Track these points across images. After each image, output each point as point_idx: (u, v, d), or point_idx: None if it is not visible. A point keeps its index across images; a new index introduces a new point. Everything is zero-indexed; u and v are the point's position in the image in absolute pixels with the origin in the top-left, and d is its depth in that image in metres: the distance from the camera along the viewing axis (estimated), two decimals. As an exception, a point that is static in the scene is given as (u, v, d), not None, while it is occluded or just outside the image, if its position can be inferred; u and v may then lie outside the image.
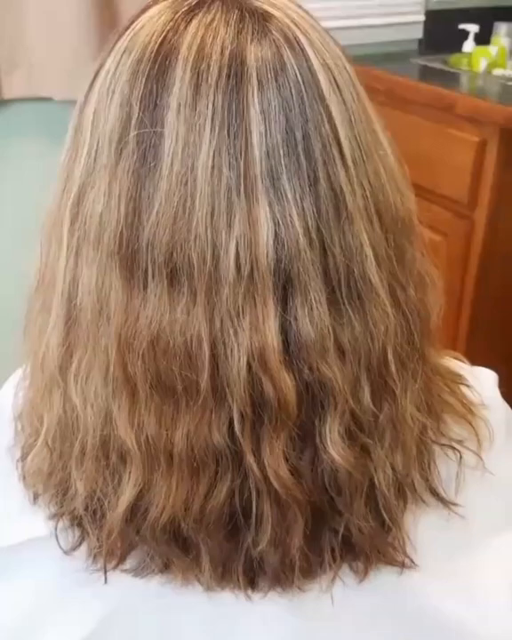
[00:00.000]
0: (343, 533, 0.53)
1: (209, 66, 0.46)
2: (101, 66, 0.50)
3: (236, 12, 0.48)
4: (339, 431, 0.49)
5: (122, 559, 0.55)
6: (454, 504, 0.57)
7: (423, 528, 0.57)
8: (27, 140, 1.83)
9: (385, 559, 0.54)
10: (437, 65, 2.10)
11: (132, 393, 0.49)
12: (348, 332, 0.49)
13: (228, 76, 0.46)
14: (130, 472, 0.51)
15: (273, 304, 0.47)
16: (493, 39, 2.10)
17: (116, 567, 0.55)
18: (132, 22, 0.50)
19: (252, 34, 0.47)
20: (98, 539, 0.54)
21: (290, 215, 0.47)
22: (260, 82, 0.46)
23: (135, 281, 0.48)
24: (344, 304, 0.49)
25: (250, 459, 0.49)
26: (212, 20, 0.47)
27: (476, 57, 2.03)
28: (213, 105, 0.46)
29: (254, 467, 0.49)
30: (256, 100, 0.46)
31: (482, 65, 2.01)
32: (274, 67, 0.46)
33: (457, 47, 2.16)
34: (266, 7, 0.49)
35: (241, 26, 0.47)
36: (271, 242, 0.46)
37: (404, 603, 0.56)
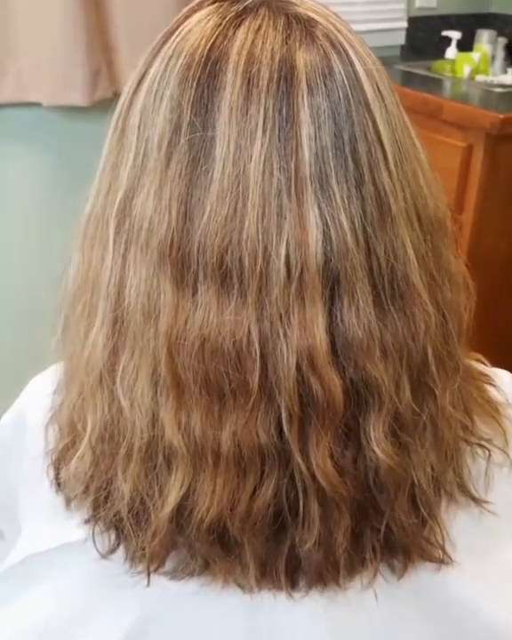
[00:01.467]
0: (384, 531, 0.53)
1: (259, 70, 0.47)
2: (147, 69, 0.51)
3: (283, 17, 0.49)
4: (383, 429, 0.50)
5: (162, 562, 0.55)
6: (485, 502, 0.58)
7: (457, 526, 0.57)
8: (15, 144, 1.83)
9: (425, 555, 0.55)
10: (421, 71, 2.12)
11: (180, 394, 0.49)
12: (392, 332, 0.50)
13: (279, 81, 0.47)
14: (176, 472, 0.51)
15: (321, 305, 0.48)
16: (476, 46, 2.13)
17: (156, 570, 0.55)
18: (178, 27, 0.50)
19: (301, 39, 0.48)
20: (141, 541, 0.53)
21: (338, 216, 0.47)
22: (309, 86, 0.47)
23: (185, 284, 0.48)
24: (388, 304, 0.50)
25: (297, 457, 0.49)
26: (261, 25, 0.48)
27: (459, 63, 2.06)
28: (265, 109, 0.46)
29: (301, 465, 0.49)
30: (306, 103, 0.47)
31: (465, 71, 2.04)
32: (323, 72, 0.47)
33: (439, 54, 2.19)
34: (310, 13, 0.50)
35: (289, 31, 0.48)
36: (320, 243, 0.47)
37: (442, 599, 0.57)
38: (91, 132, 1.89)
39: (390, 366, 0.50)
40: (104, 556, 0.57)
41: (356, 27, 1.90)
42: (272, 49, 0.47)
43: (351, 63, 0.49)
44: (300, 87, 0.47)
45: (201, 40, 0.48)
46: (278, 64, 0.47)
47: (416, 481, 0.53)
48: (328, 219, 0.47)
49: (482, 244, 1.84)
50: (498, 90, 1.95)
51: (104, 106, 1.83)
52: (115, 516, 0.54)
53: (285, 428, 0.49)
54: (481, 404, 0.61)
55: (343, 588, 0.55)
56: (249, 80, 0.47)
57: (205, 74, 0.47)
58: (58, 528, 0.60)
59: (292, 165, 0.47)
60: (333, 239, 0.47)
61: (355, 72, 0.48)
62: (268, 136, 0.46)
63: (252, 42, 0.47)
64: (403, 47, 2.28)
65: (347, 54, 0.49)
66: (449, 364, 0.53)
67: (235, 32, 0.48)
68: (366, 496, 0.52)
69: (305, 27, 0.49)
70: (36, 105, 1.78)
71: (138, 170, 0.50)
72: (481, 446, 0.59)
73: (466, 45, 2.17)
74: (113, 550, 0.56)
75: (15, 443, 0.69)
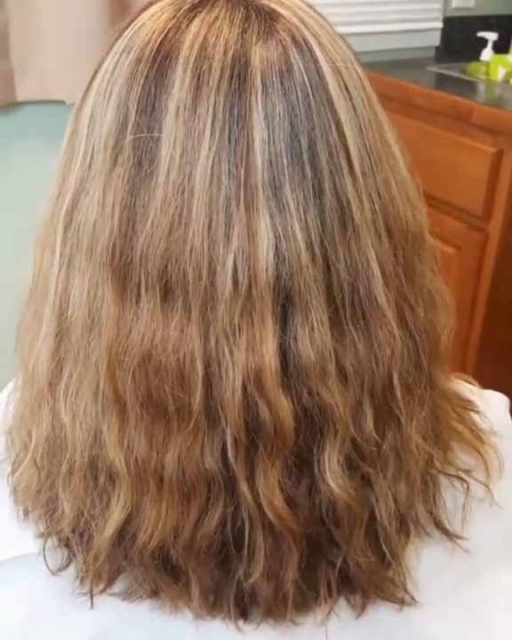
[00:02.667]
0: (340, 566, 0.50)
1: (210, 67, 0.43)
2: (100, 66, 0.48)
3: (242, 10, 0.45)
4: (338, 460, 0.47)
5: (110, 583, 0.53)
6: (459, 537, 0.54)
7: (426, 561, 0.54)
8: (39, 142, 1.83)
9: (384, 595, 0.52)
10: (454, 73, 2.05)
11: (122, 412, 0.47)
12: (351, 355, 0.46)
13: (231, 78, 0.43)
14: (118, 494, 0.48)
15: (271, 323, 0.44)
16: (513, 48, 2.07)
17: (103, 591, 0.53)
18: (133, 20, 0.47)
19: (258, 33, 0.44)
20: (85, 561, 0.52)
21: (292, 228, 0.44)
22: (264, 85, 0.43)
23: (128, 294, 0.45)
24: (348, 324, 0.46)
25: (243, 486, 0.46)
26: (216, 18, 0.45)
27: (494, 65, 1.99)
28: (214, 108, 0.43)
29: (247, 495, 0.46)
30: (260, 103, 0.43)
31: (500, 74, 1.97)
32: (280, 69, 0.44)
33: (475, 55, 2.13)
34: (273, 6, 0.46)
35: (246, 25, 0.44)
36: (271, 256, 0.43)
37: (404, 639, 0.53)
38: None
39: (349, 392, 0.46)
40: (54, 573, 0.54)
41: (388, 27, 1.85)
42: (226, 44, 0.44)
43: (315, 60, 0.45)
44: (254, 85, 0.43)
45: (152, 34, 0.45)
46: (231, 60, 0.43)
47: (377, 515, 0.49)
48: (280, 230, 0.44)
49: (510, 253, 1.78)
50: (533, 94, 1.89)
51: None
52: (58, 533, 0.52)
53: (230, 454, 0.46)
54: (461, 432, 0.56)
55: (296, 624, 0.52)
56: (199, 77, 0.43)
57: (154, 70, 0.44)
58: (17, 537, 0.58)
59: (243, 171, 0.43)
60: (285, 252, 0.44)
61: (317, 69, 0.45)
62: (216, 138, 0.43)
63: (205, 36, 0.44)
64: (437, 48, 2.21)
65: (310, 50, 0.45)
66: (416, 391, 0.49)
67: (188, 25, 0.45)
68: (320, 530, 0.49)
69: (265, 20, 0.45)
70: (60, 103, 1.77)
71: (85, 172, 0.47)
72: (459, 478, 0.55)
73: (504, 47, 2.10)
74: (64, 567, 0.54)
75: None
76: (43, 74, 1.74)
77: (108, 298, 0.46)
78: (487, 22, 2.23)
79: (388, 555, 0.50)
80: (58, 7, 1.66)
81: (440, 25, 2.19)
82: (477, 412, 0.59)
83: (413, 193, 0.51)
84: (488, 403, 0.62)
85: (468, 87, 1.98)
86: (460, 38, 2.23)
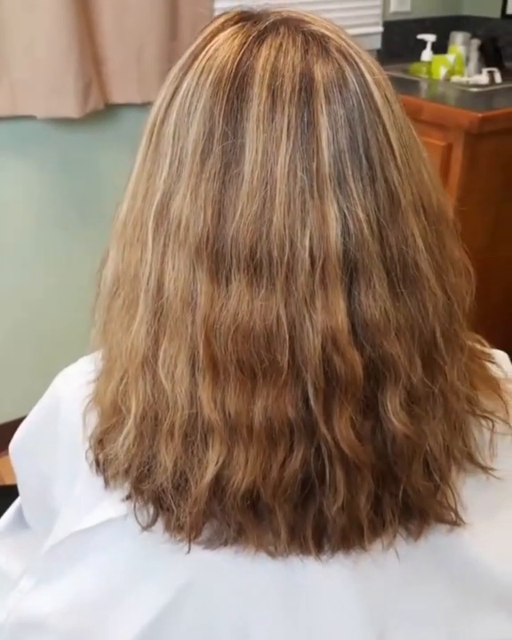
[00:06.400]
0: (401, 497, 0.59)
1: (283, 83, 0.52)
2: (179, 85, 0.56)
3: (301, 35, 0.54)
4: (398, 401, 0.56)
5: (199, 531, 0.60)
6: (491, 468, 0.64)
7: (467, 490, 0.63)
8: (9, 157, 1.85)
9: (438, 518, 0.61)
10: (398, 74, 2.19)
11: (216, 374, 0.55)
12: (404, 313, 0.55)
13: (300, 91, 0.52)
14: (213, 446, 0.56)
15: (341, 290, 0.53)
16: (450, 48, 2.20)
17: (195, 537, 0.60)
18: (205, 46, 0.56)
19: (317, 54, 0.54)
20: (183, 511, 0.58)
21: (355, 211, 0.53)
22: (327, 96, 0.53)
23: (220, 275, 0.54)
24: (400, 288, 0.55)
25: (322, 428, 0.55)
26: (281, 42, 0.54)
27: (435, 65, 2.12)
28: (288, 117, 0.52)
29: (327, 435, 0.55)
30: (325, 111, 0.52)
31: (441, 73, 2.10)
32: (338, 82, 0.53)
33: (415, 56, 2.25)
34: (323, 30, 0.55)
35: (307, 47, 0.54)
36: (340, 235, 0.52)
37: (456, 557, 0.63)
38: (82, 144, 1.91)
39: (404, 344, 0.55)
40: (145, 528, 0.61)
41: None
42: (293, 63, 0.53)
43: (362, 74, 0.54)
44: (319, 97, 0.52)
45: (229, 57, 0.54)
46: (299, 77, 0.52)
47: (429, 449, 0.58)
48: (346, 213, 0.53)
49: (461, 240, 1.90)
50: (473, 89, 2.03)
51: (95, 117, 1.86)
52: (158, 488, 0.59)
53: (312, 401, 0.54)
54: (483, 380, 0.66)
55: (366, 550, 0.60)
56: (273, 92, 0.52)
57: (234, 87, 0.53)
58: (97, 507, 0.65)
59: (314, 166, 0.52)
60: (351, 231, 0.53)
61: (365, 82, 0.54)
62: (291, 141, 0.52)
63: (275, 57, 0.53)
64: (379, 51, 2.33)
65: (358, 66, 0.54)
66: (455, 342, 0.59)
67: (259, 49, 0.54)
68: (384, 463, 0.57)
69: (320, 42, 0.54)
70: (28, 118, 1.79)
71: (174, 175, 0.55)
72: (485, 418, 0.64)
73: (440, 48, 2.24)
74: (152, 523, 0.61)
75: (46, 433, 0.73)
76: (12, 89, 1.74)
77: (203, 279, 0.54)
78: (423, 25, 2.37)
79: (439, 482, 0.59)
80: (25, 22, 1.67)
81: (380, 29, 2.31)
82: (494, 363, 0.69)
83: (437, 180, 0.61)
84: (495, 357, 0.72)
85: (412, 86, 2.11)
86: (399, 41, 2.36)
